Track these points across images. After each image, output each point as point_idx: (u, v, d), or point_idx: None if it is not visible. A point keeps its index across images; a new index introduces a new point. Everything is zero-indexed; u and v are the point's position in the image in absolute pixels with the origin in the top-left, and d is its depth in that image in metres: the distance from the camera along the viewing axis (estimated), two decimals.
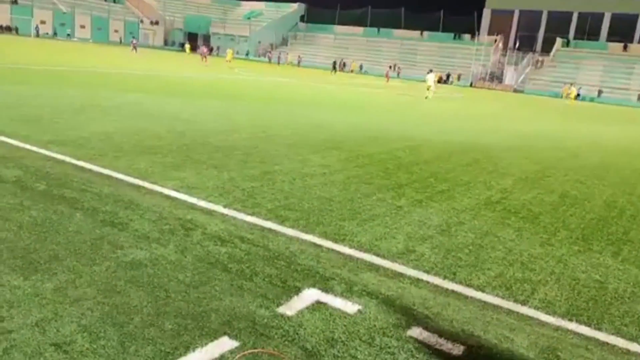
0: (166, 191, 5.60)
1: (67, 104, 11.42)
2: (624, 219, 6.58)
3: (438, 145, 11.01)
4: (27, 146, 6.98)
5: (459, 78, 60.71)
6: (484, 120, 19.43)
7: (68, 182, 5.54)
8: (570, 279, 4.42)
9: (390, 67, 53.94)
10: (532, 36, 67.56)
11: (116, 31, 72.00)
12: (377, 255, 4.45)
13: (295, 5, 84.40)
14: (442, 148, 10.70)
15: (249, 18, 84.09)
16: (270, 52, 57.76)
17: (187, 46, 48.98)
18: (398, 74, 55.48)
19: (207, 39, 79.62)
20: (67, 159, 6.51)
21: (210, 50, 44.78)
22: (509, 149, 11.82)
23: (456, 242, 5.01)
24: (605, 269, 4.74)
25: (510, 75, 59.18)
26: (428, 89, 28.27)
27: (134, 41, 45.28)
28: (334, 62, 57.44)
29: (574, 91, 40.32)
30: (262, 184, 6.37)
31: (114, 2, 79.53)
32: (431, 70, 30.53)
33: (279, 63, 47.94)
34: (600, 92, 52.66)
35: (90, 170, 6.10)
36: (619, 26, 62.72)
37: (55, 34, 65.06)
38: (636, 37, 62.21)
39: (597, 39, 64.09)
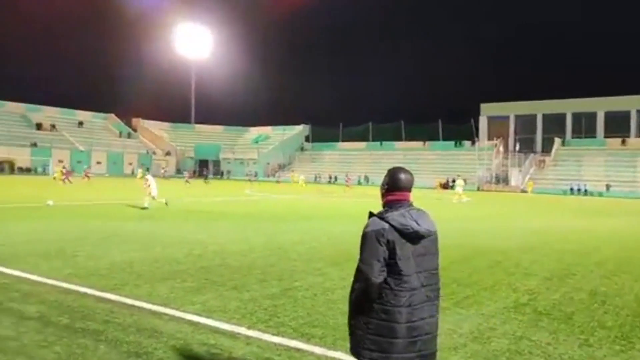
0: (188, 316, 5.53)
1: (86, 236, 11.62)
2: None
3: (454, 250, 10.89)
4: (49, 281, 7.02)
5: (465, 182, 61.68)
6: (496, 220, 19.41)
7: (90, 314, 5.51)
8: None
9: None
10: (531, 138, 69.65)
11: (130, 164, 75.20)
12: None
13: (300, 127, 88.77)
14: (458, 252, 10.60)
15: (257, 142, 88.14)
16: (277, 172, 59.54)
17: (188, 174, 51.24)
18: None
19: (217, 164, 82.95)
20: (89, 290, 6.52)
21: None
22: (527, 248, 11.68)
23: (490, 348, 4.82)
24: None
25: (515, 177, 60.17)
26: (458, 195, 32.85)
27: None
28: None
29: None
30: (283, 301, 6.28)
31: (129, 137, 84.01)
32: (458, 176, 34.87)
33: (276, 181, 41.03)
34: (608, 186, 52.97)
35: (111, 301, 6.08)
36: (614, 123, 64.67)
37: (72, 170, 67.80)
38: (632, 132, 63.89)
39: (594, 136, 65.92)
